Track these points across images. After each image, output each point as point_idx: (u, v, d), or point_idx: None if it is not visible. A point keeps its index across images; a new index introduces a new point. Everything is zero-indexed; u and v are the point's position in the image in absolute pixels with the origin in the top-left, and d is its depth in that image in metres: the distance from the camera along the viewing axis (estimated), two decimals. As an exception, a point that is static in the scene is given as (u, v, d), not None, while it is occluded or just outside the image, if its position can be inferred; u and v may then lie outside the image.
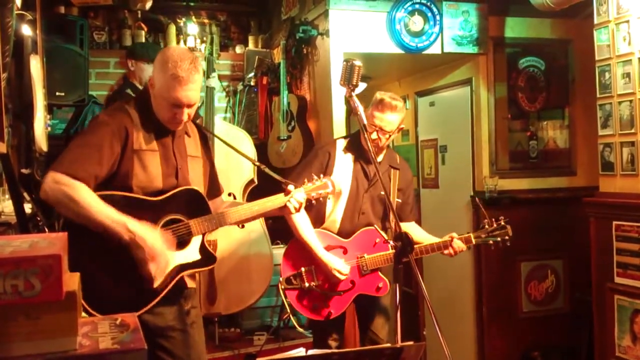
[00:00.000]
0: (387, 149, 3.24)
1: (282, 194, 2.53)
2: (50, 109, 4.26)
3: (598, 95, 3.58)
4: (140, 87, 4.42)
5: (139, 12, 5.21)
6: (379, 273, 3.11)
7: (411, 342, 1.66)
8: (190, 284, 2.48)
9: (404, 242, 2.21)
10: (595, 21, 3.56)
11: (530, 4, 4.02)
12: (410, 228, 3.25)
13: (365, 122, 2.52)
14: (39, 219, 3.21)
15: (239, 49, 5.62)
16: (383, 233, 3.13)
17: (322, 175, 2.68)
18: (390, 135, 3.05)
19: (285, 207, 2.52)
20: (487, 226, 3.08)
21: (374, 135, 3.01)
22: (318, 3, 4.28)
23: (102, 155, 2.18)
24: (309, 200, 2.61)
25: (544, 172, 4.61)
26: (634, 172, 3.35)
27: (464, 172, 4.68)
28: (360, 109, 2.45)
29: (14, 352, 1.10)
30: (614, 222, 3.45)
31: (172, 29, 5.46)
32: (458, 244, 3.05)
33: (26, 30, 3.59)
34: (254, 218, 2.60)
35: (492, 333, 4.46)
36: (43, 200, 2.16)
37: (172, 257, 2.28)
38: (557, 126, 4.70)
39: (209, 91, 4.83)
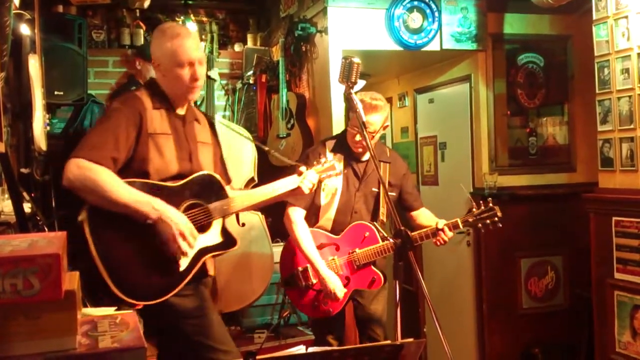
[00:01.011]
0: (377, 143, 3.24)
1: (294, 176, 2.61)
2: (49, 108, 4.25)
3: (597, 91, 3.58)
4: None
5: (138, 10, 5.20)
6: (372, 267, 3.10)
7: (411, 339, 1.66)
8: (211, 270, 2.51)
9: (404, 239, 2.21)
10: (594, 17, 3.56)
11: (529, 0, 4.01)
12: (422, 214, 3.29)
13: (365, 119, 2.52)
14: (38, 218, 3.21)
15: (237, 47, 5.61)
16: (374, 225, 3.11)
17: (329, 157, 2.74)
18: (374, 135, 3.04)
19: (298, 188, 2.60)
20: (474, 209, 3.03)
21: (358, 137, 3.01)
22: (317, 1, 4.27)
23: (119, 139, 2.22)
24: (319, 181, 2.68)
25: (543, 169, 4.60)
26: (634, 167, 3.35)
27: (463, 169, 4.67)
28: (359, 106, 2.45)
29: (13, 352, 1.10)
30: (614, 218, 3.45)
31: (171, 27, 5.45)
32: (444, 232, 3.01)
33: (24, 29, 3.58)
34: (269, 201, 2.63)
35: (492, 330, 4.46)
36: (66, 188, 2.17)
37: (197, 238, 2.31)
38: (557, 122, 4.69)
39: (210, 83, 4.82)
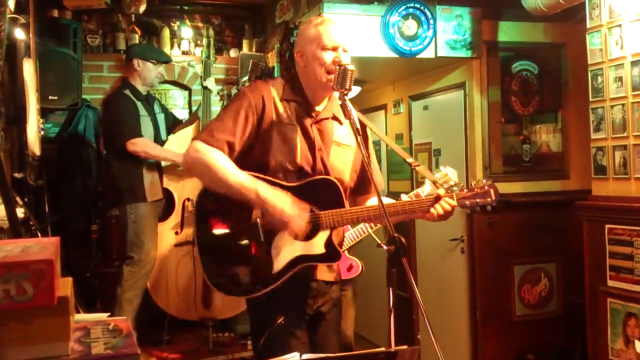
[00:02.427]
0: None
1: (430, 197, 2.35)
2: (43, 112, 4.24)
3: (591, 99, 3.60)
4: (142, 88, 4.40)
5: (133, 15, 5.21)
6: (346, 254, 3.10)
7: (405, 346, 1.66)
8: (326, 276, 2.39)
9: (398, 246, 2.20)
10: (588, 25, 3.58)
11: (523, 8, 4.04)
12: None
13: (359, 126, 2.51)
14: (31, 223, 3.20)
15: (233, 53, 5.62)
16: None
17: (483, 180, 2.45)
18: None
19: (428, 212, 2.34)
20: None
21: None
22: (312, 7, 4.28)
23: (236, 124, 2.24)
24: (466, 206, 2.40)
25: (537, 176, 4.61)
26: (626, 175, 3.36)
27: (457, 175, 4.67)
28: (354, 112, 2.44)
29: (5, 358, 1.10)
30: (607, 226, 3.46)
31: (166, 32, 5.46)
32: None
33: (19, 33, 3.58)
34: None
35: (485, 337, 4.46)
36: (187, 167, 2.30)
37: (297, 245, 2.25)
38: (550, 130, 4.71)
39: (206, 92, 4.83)
